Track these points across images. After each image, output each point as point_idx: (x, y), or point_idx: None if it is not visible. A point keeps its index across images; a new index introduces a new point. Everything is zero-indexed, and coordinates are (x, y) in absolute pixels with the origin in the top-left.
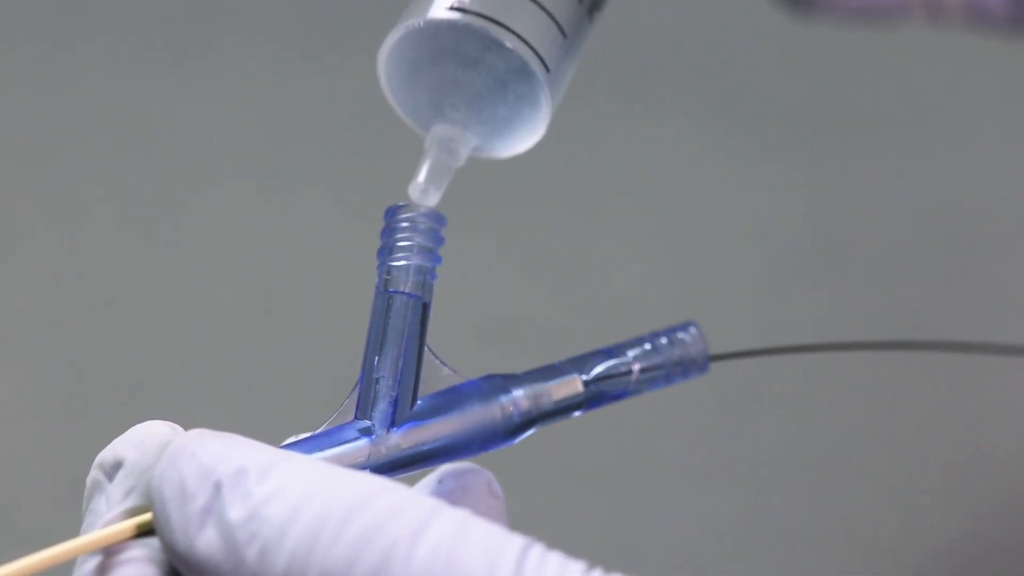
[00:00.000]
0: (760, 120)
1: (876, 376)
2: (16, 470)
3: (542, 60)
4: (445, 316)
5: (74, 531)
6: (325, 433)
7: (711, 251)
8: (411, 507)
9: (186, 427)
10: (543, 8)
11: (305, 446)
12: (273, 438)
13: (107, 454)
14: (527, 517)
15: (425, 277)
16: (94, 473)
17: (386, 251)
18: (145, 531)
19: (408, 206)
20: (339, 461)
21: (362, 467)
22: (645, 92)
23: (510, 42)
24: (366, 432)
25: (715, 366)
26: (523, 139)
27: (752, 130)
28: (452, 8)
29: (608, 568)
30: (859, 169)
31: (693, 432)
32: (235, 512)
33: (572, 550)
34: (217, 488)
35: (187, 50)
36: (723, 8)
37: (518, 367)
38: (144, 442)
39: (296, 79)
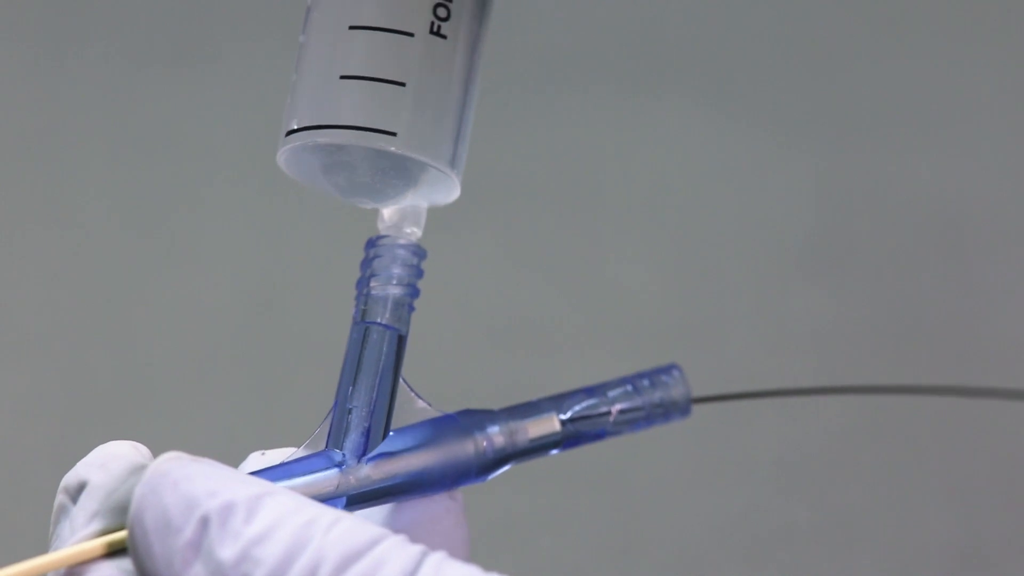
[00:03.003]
0: (765, 118)
1: (876, 377)
2: (17, 469)
3: (380, 130)
4: (448, 314)
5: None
6: (295, 461)
7: (715, 246)
8: (399, 554)
9: (185, 427)
10: (361, 78)
11: (275, 473)
12: (273, 438)
13: (71, 477)
14: (532, 517)
15: (403, 309)
16: (60, 497)
17: (364, 281)
18: (114, 552)
19: (388, 237)
20: (308, 490)
21: (331, 497)
22: (648, 88)
23: (338, 138)
24: (337, 462)
25: (719, 362)
26: (446, 185)
27: (756, 127)
28: (288, 134)
29: (609, 565)
30: (863, 167)
31: (693, 433)
32: (226, 551)
33: (575, 549)
34: (204, 523)
35: (187, 50)
36: (727, 4)
37: (520, 363)
38: (107, 464)
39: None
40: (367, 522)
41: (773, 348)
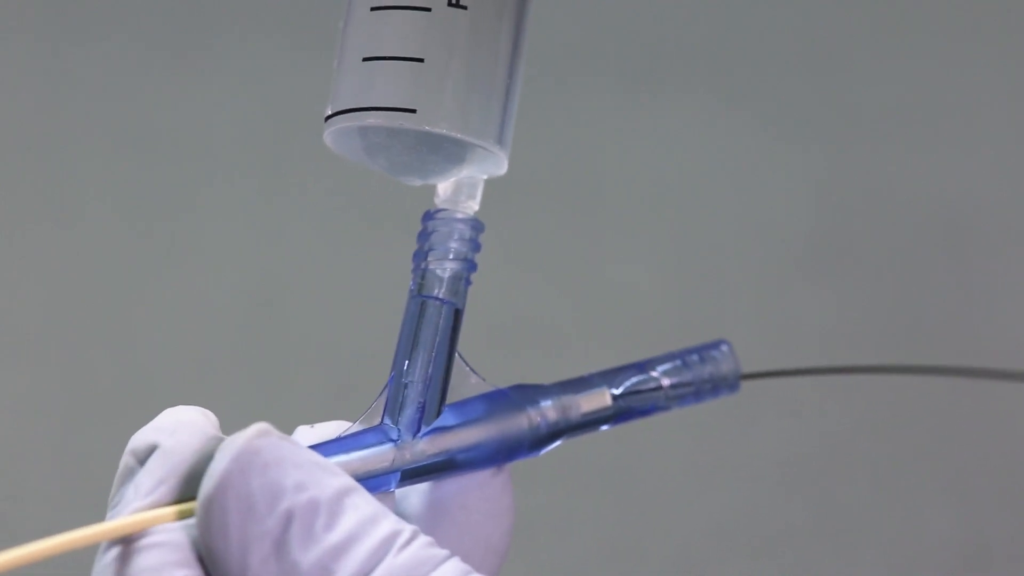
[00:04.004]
0: (765, 118)
1: (876, 377)
2: (17, 469)
3: (399, 108)
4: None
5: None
6: (351, 436)
7: (715, 246)
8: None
9: None
10: (380, 58)
11: (331, 447)
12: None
13: (139, 440)
14: (533, 516)
15: (459, 283)
16: (126, 459)
17: (422, 255)
18: (182, 518)
19: (445, 211)
20: (364, 465)
21: (386, 472)
22: (648, 87)
23: (358, 120)
24: (392, 437)
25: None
26: (490, 157)
27: (757, 127)
28: (328, 118)
29: (611, 565)
30: (864, 166)
31: (695, 429)
32: (303, 556)
33: (577, 548)
34: (288, 519)
35: (188, 48)
36: (728, 2)
37: (520, 361)
38: (177, 430)
39: (297, 76)
40: (434, 544)
41: (774, 348)
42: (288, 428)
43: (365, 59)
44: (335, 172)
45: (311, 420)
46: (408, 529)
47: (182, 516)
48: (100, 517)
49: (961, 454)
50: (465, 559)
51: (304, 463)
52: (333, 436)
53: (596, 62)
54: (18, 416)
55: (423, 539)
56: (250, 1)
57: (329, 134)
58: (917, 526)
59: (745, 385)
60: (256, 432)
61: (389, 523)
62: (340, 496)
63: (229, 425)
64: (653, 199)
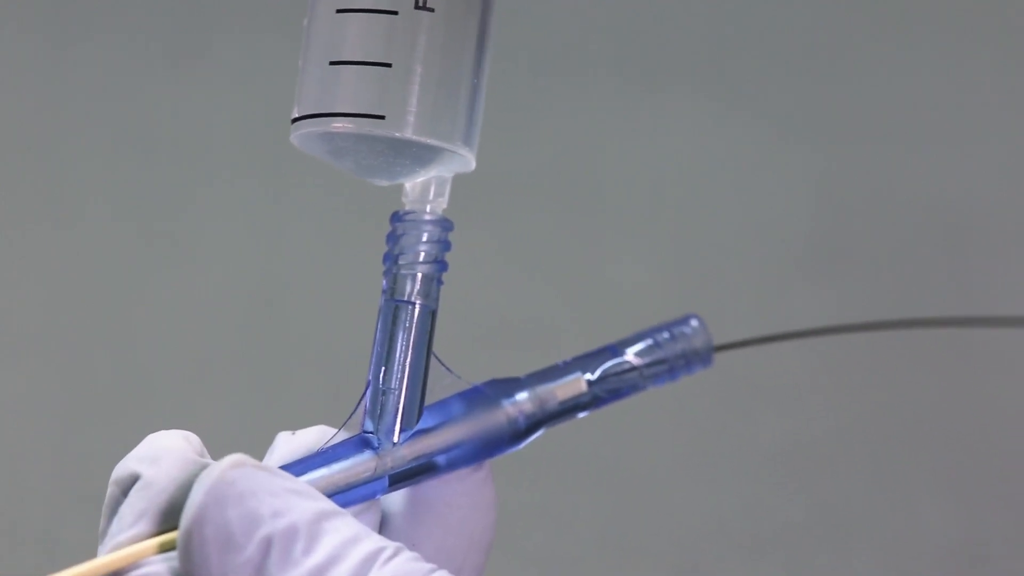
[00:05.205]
0: (766, 118)
1: (876, 370)
2: (17, 469)
3: (367, 114)
4: (446, 313)
5: (75, 530)
6: (332, 448)
7: (715, 245)
8: None
9: (184, 427)
10: (348, 62)
11: (313, 462)
12: (273, 437)
13: (122, 470)
14: (526, 511)
15: (432, 284)
16: (111, 490)
17: (391, 258)
18: (165, 550)
19: (413, 212)
20: (346, 476)
21: (369, 480)
22: (648, 86)
23: (326, 126)
24: (373, 444)
25: (718, 360)
26: (457, 158)
27: (758, 127)
28: (294, 121)
29: (605, 560)
30: (864, 166)
31: (692, 426)
32: None
33: (570, 544)
34: (266, 545)
35: (187, 48)
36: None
37: (519, 362)
38: (159, 458)
39: (297, 76)
40: (419, 558)
41: (773, 347)
42: (286, 427)
43: (332, 63)
44: (335, 172)
45: (310, 420)
46: (392, 546)
47: (164, 548)
48: (99, 518)
49: (958, 451)
50: (449, 555)
51: (279, 491)
52: (315, 442)
53: (596, 62)
54: (18, 416)
55: (408, 554)
56: (250, 1)
57: (296, 136)
58: (914, 522)
59: (741, 380)
60: (230, 464)
61: (372, 541)
62: (319, 519)
63: (229, 426)
64: (653, 199)
